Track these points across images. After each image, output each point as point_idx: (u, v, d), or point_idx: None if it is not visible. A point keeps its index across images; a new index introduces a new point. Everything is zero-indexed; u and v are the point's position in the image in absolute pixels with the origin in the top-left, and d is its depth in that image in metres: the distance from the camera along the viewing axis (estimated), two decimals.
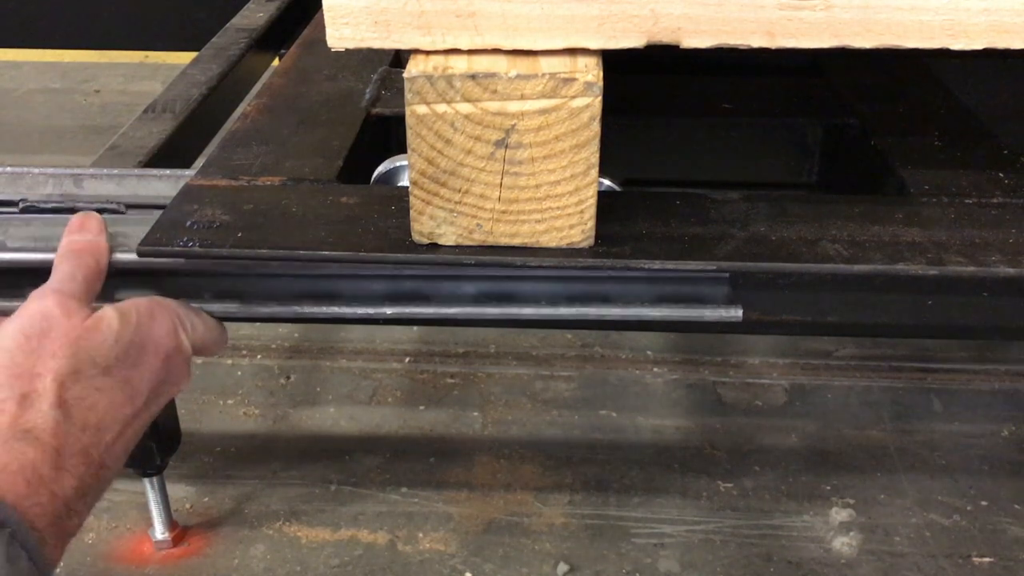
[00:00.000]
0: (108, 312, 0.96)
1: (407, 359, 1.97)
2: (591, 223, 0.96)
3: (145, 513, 1.53)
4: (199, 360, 1.97)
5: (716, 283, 1.06)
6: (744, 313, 1.05)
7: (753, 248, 1.01)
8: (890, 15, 0.89)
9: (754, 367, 1.93)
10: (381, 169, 1.25)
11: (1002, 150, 1.24)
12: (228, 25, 1.90)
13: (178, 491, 1.62)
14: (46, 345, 0.90)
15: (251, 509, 1.61)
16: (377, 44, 0.90)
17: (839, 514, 1.59)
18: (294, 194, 1.11)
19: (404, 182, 1.23)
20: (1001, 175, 1.16)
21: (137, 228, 1.05)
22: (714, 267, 0.99)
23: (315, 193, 1.12)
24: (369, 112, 1.37)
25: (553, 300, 1.08)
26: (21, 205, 1.15)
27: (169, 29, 3.05)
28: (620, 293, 1.08)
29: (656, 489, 1.64)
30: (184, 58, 1.78)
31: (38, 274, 1.01)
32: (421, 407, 1.84)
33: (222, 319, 1.11)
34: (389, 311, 1.08)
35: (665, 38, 0.89)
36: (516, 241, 0.97)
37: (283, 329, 2.03)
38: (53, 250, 1.02)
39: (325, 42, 0.90)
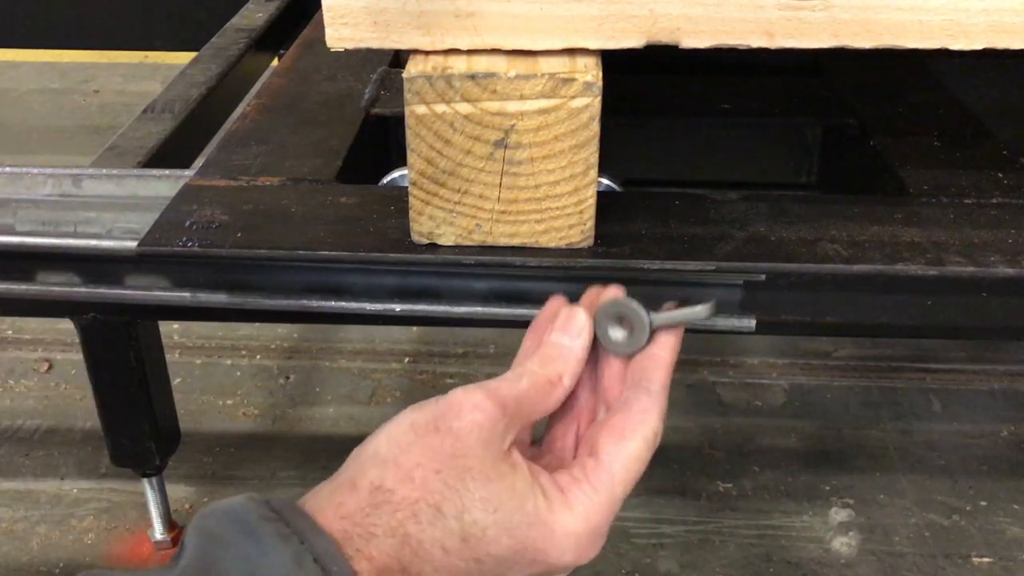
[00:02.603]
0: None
1: (407, 359, 1.97)
2: (590, 223, 0.96)
3: (144, 513, 1.53)
4: (198, 360, 1.99)
5: (729, 290, 1.05)
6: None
7: (752, 248, 1.01)
8: (890, 15, 0.89)
9: (754, 367, 1.93)
10: (386, 180, 1.25)
11: (1002, 150, 1.24)
12: (227, 25, 1.90)
13: (178, 491, 1.62)
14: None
15: None
16: (376, 44, 0.90)
17: (838, 514, 1.59)
18: (293, 194, 1.11)
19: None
20: (1000, 175, 1.16)
21: None
22: (713, 267, 0.99)
23: (314, 193, 1.12)
24: (368, 112, 1.37)
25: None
26: None
27: (169, 29, 3.05)
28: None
29: (655, 489, 1.64)
30: (184, 58, 1.77)
31: (46, 259, 0.99)
32: None
33: (232, 312, 1.09)
34: (398, 308, 1.07)
35: (664, 38, 0.89)
36: (515, 241, 0.97)
37: (282, 329, 2.02)
38: (61, 234, 0.98)
39: (324, 42, 0.90)
